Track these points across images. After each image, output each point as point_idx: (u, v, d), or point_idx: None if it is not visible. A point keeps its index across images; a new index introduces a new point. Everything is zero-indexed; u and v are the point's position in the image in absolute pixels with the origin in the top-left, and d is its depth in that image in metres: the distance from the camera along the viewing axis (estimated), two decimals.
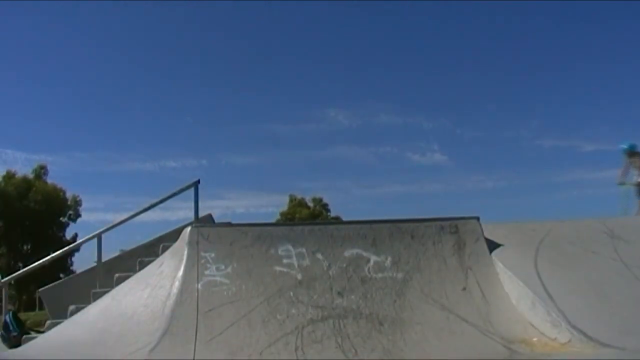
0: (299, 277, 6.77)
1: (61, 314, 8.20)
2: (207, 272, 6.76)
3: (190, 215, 9.73)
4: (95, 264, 9.42)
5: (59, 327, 7.45)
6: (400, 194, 61.94)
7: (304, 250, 7.01)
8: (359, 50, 68.45)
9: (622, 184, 10.83)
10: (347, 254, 7.03)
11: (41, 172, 35.60)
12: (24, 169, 38.63)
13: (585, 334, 5.73)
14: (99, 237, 9.41)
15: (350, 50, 67.21)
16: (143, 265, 8.11)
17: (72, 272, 26.75)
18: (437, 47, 68.79)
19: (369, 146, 69.05)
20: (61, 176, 58.54)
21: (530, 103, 65.31)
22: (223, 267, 6.81)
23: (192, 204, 9.81)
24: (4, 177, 33.81)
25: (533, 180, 62.64)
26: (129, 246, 9.92)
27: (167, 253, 7.64)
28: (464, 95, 64.88)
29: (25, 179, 34.05)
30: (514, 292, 6.67)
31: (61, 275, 25.64)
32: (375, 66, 68.00)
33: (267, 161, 65.63)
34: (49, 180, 35.58)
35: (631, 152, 10.74)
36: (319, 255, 6.98)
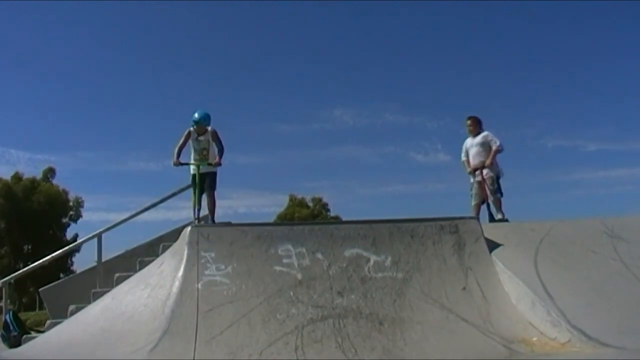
0: (299, 276, 6.77)
1: (61, 314, 8.20)
2: (207, 272, 6.75)
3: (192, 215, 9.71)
4: (95, 263, 9.43)
5: (59, 327, 7.45)
6: (403, 194, 62.03)
7: (304, 250, 7.00)
8: (364, 50, 68.65)
9: None
10: (347, 253, 7.02)
11: (49, 174, 35.65)
12: (27, 169, 38.70)
13: (585, 334, 5.73)
14: (99, 237, 9.42)
15: (356, 50, 67.40)
16: (143, 265, 8.10)
17: (73, 272, 26.81)
18: (441, 47, 69.03)
19: (374, 146, 69.05)
20: (64, 176, 58.58)
21: (533, 103, 65.37)
22: (223, 266, 6.81)
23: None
24: (12, 177, 33.87)
25: (535, 180, 62.65)
26: (131, 246, 9.93)
27: (167, 253, 7.64)
28: (467, 95, 64.84)
29: (32, 181, 34.08)
30: (514, 291, 6.67)
31: (61, 275, 25.66)
32: (380, 66, 68.21)
33: (271, 161, 65.70)
34: (54, 182, 35.64)
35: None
36: (319, 255, 6.98)
